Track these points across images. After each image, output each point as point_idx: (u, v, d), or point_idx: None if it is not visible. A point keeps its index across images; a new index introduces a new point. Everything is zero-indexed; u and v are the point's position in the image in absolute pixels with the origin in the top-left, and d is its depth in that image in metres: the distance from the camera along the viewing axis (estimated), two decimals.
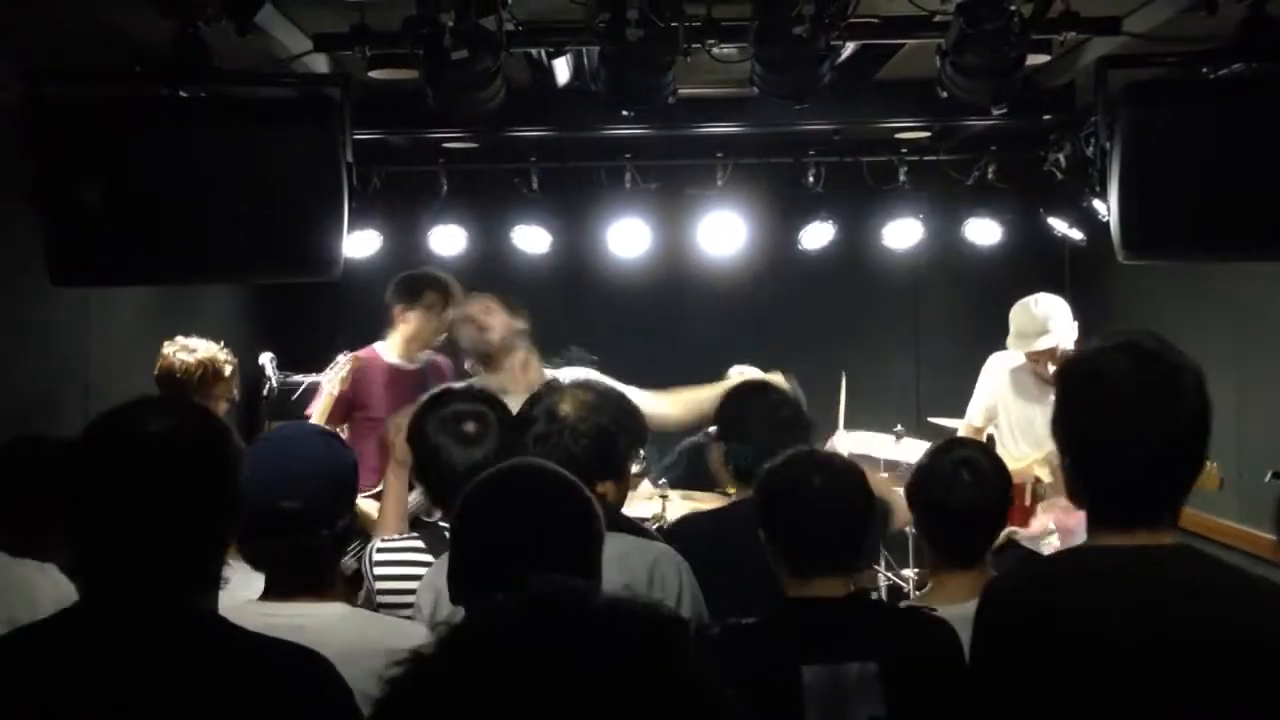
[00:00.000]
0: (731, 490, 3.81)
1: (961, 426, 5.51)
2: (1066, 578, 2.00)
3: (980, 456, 2.88)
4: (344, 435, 4.87)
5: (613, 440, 2.74)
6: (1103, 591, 1.91)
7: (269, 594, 2.24)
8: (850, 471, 2.56)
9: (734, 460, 3.38)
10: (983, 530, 2.86)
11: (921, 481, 2.88)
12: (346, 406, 5.15)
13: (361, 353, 5.29)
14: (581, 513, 2.00)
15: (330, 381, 4.83)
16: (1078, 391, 2.01)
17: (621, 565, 2.57)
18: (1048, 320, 4.92)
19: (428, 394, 3.26)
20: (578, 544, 1.97)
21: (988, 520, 2.85)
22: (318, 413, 4.78)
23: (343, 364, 4.81)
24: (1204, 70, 3.82)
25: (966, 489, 2.78)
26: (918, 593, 2.90)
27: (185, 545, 1.72)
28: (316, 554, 2.20)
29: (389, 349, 5.34)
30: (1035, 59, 4.31)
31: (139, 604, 1.68)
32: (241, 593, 2.21)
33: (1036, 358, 4.93)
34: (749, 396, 3.57)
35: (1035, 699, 1.92)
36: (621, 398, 2.91)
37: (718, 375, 5.93)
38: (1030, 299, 5.07)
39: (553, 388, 2.84)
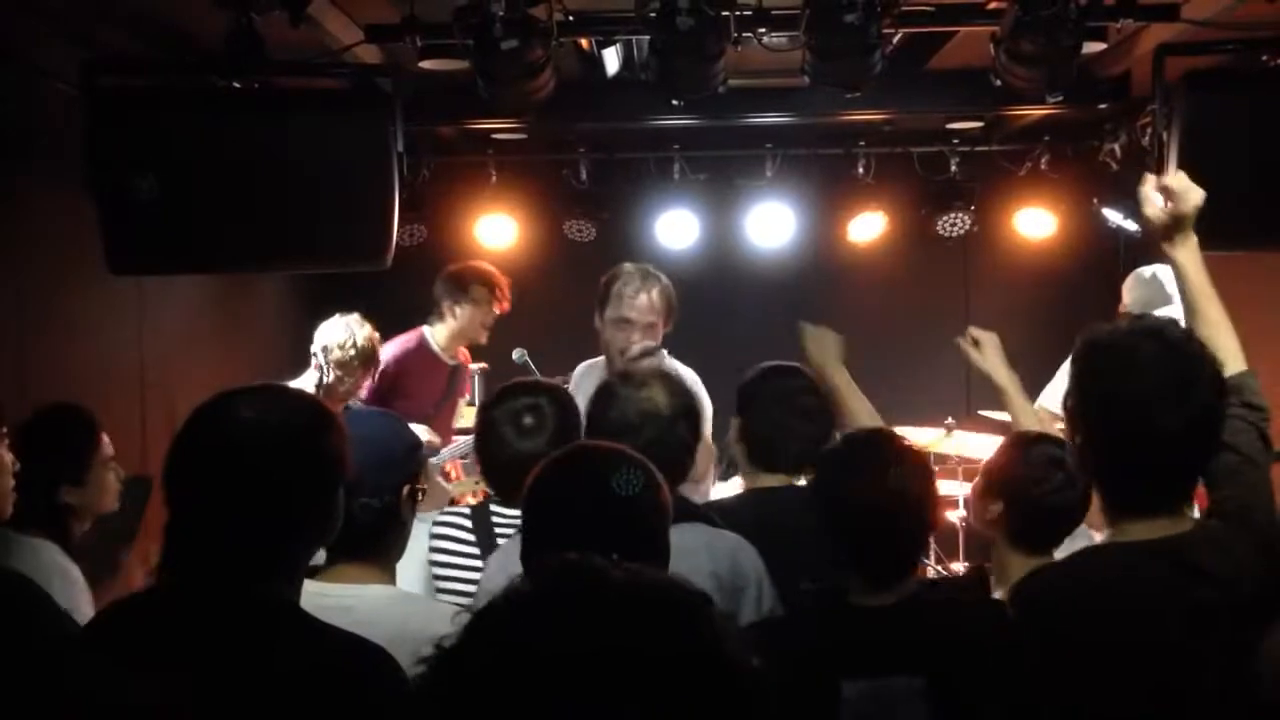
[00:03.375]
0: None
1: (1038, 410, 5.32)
2: (1101, 578, 2.03)
3: (1065, 454, 2.81)
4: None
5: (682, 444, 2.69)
6: (1138, 591, 1.96)
7: (325, 570, 2.26)
8: (920, 472, 2.44)
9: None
10: (1065, 526, 2.83)
11: (1011, 474, 2.83)
12: (388, 389, 5.19)
13: (410, 338, 5.32)
14: (646, 493, 1.98)
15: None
16: (1097, 375, 2.03)
17: (710, 554, 2.58)
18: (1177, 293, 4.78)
19: (500, 387, 3.24)
20: (643, 524, 1.95)
21: (1071, 517, 2.82)
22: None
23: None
24: (1264, 58, 3.75)
25: (1061, 488, 2.73)
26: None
27: (265, 536, 1.75)
28: (351, 521, 2.19)
29: (434, 339, 5.38)
30: (1091, 47, 4.24)
31: (212, 591, 1.71)
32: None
33: None
34: (771, 376, 3.45)
35: (1080, 691, 1.95)
36: (676, 386, 2.81)
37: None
38: (1155, 270, 4.92)
39: (611, 394, 2.72)
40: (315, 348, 4.78)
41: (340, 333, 4.78)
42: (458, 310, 5.31)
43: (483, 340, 5.43)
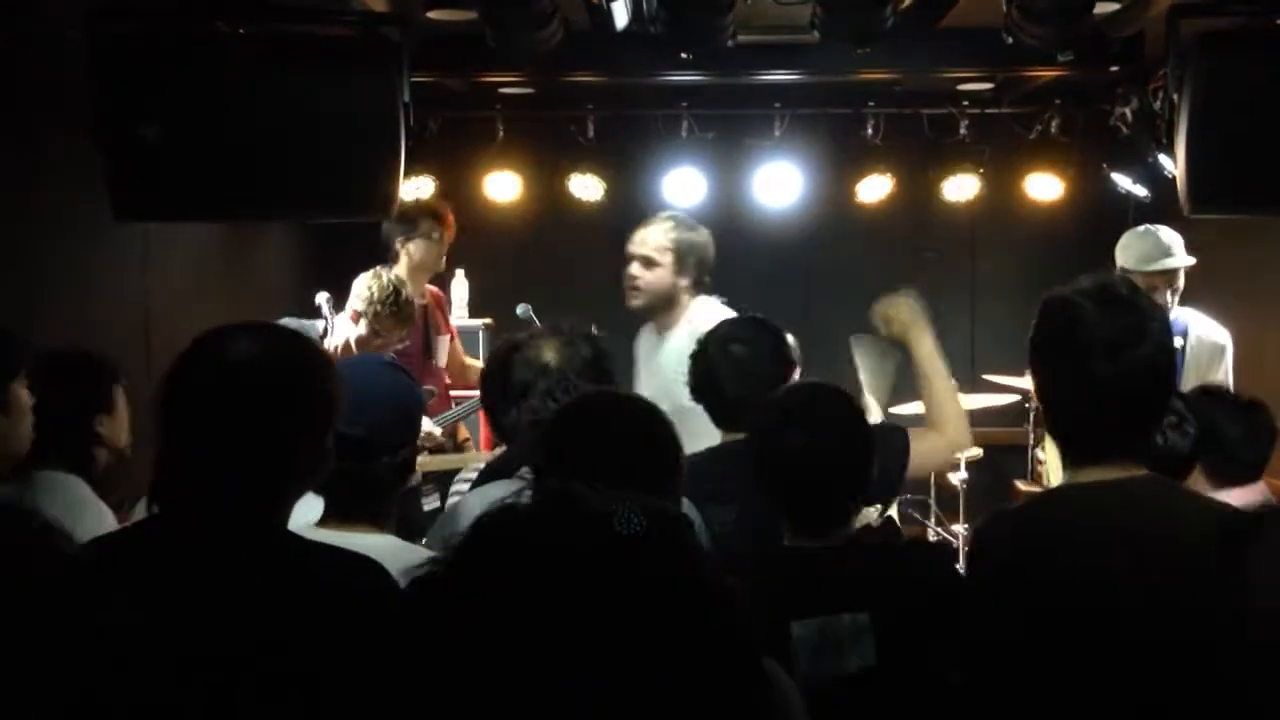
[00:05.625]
0: None
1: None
2: (1052, 515, 2.16)
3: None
4: None
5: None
6: (1087, 525, 2.07)
7: (327, 519, 2.27)
8: (844, 419, 2.48)
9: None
10: None
11: None
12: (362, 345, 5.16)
13: None
14: (661, 440, 1.99)
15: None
16: (1051, 332, 2.15)
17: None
18: (1172, 244, 4.70)
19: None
20: (656, 470, 1.96)
21: None
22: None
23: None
24: (1279, 21, 3.71)
25: None
26: None
27: (256, 471, 1.76)
28: (376, 481, 2.23)
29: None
30: (1104, 7, 4.20)
31: (211, 520, 1.73)
32: (302, 517, 2.24)
33: (1154, 283, 4.70)
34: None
35: (1032, 626, 2.05)
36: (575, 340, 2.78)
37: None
38: (1148, 226, 4.90)
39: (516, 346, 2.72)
40: (355, 301, 4.71)
41: (380, 287, 4.69)
42: (410, 247, 5.25)
43: (441, 268, 5.42)
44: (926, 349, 3.24)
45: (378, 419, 2.24)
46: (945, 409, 3.18)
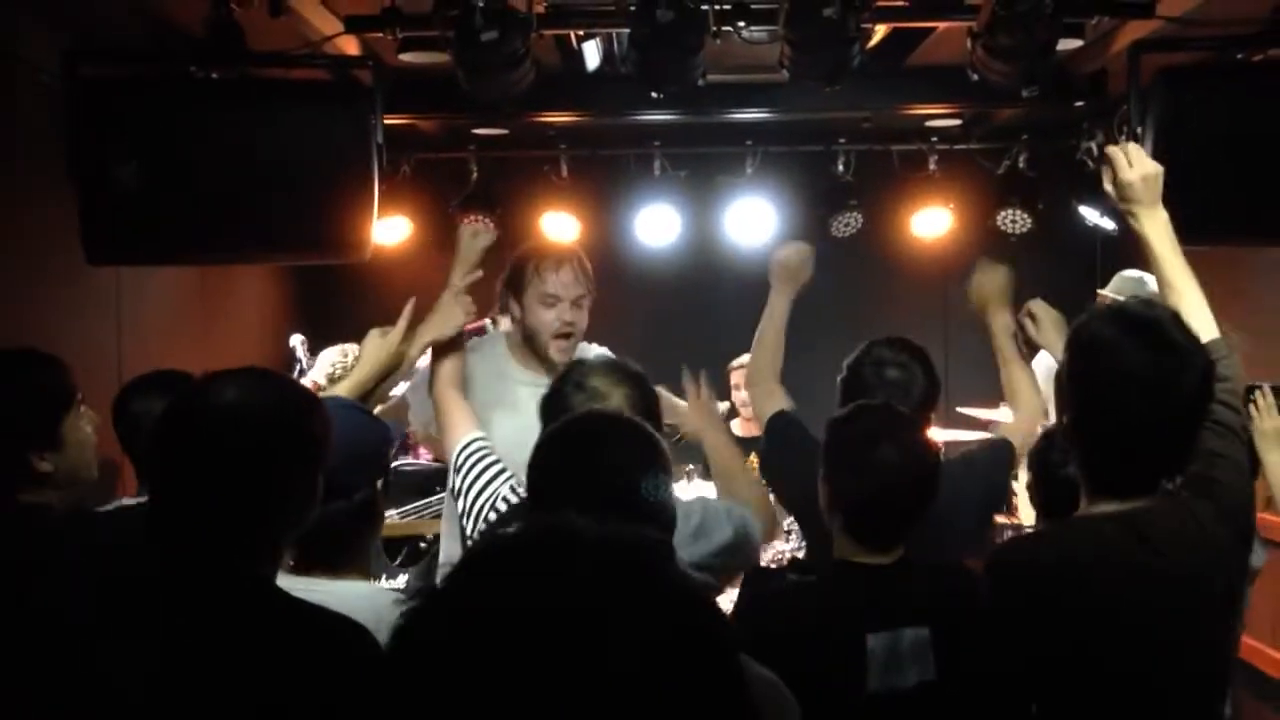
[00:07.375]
0: None
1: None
2: (1064, 547, 2.14)
3: None
4: None
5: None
6: (1116, 555, 2.06)
7: (294, 567, 2.25)
8: (924, 440, 2.59)
9: None
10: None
11: (1039, 446, 2.99)
12: None
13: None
14: (651, 459, 1.95)
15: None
16: (1084, 367, 2.12)
17: (729, 515, 2.61)
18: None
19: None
20: (648, 489, 1.93)
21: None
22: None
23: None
24: (1239, 55, 3.78)
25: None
26: None
27: (249, 515, 1.76)
28: (329, 525, 2.18)
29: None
30: (1068, 44, 4.28)
31: (195, 568, 1.72)
32: None
33: None
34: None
35: (1069, 654, 2.06)
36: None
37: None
38: (1136, 271, 4.92)
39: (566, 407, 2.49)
40: (317, 374, 4.66)
41: (345, 367, 4.60)
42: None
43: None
44: (999, 325, 3.49)
45: (330, 461, 2.20)
46: (1018, 388, 3.42)
